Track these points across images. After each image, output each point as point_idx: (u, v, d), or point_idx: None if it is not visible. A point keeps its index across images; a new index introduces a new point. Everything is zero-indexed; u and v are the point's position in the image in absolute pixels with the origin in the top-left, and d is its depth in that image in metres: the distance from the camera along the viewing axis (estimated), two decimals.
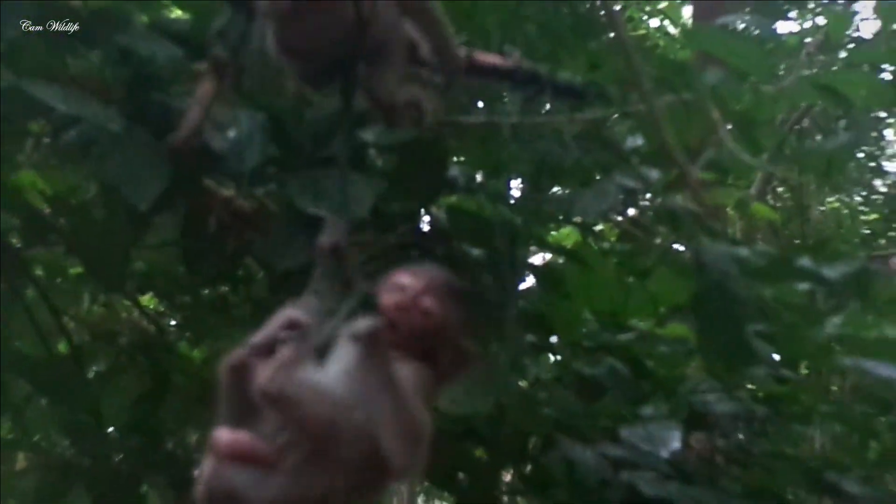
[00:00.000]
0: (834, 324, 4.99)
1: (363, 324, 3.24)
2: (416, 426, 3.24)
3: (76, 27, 4.64)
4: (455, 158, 5.09)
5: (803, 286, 5.04)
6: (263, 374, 3.10)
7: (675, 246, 5.29)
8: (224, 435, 3.08)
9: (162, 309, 6.20)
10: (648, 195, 5.30)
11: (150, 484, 5.91)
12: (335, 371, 3.22)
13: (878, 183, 20.39)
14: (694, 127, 4.63)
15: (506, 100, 5.09)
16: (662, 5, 22.35)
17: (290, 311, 3.39)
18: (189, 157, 4.30)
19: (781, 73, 5.00)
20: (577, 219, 5.44)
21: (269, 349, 3.21)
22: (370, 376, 3.18)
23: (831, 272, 5.02)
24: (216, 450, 3.06)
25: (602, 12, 5.42)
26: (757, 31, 5.07)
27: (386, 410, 3.14)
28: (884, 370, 4.87)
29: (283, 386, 3.07)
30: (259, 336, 3.28)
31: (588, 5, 5.64)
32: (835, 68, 4.93)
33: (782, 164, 5.13)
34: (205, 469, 3.07)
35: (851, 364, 5.01)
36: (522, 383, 5.39)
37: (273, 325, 3.33)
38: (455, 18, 4.32)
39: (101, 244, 5.16)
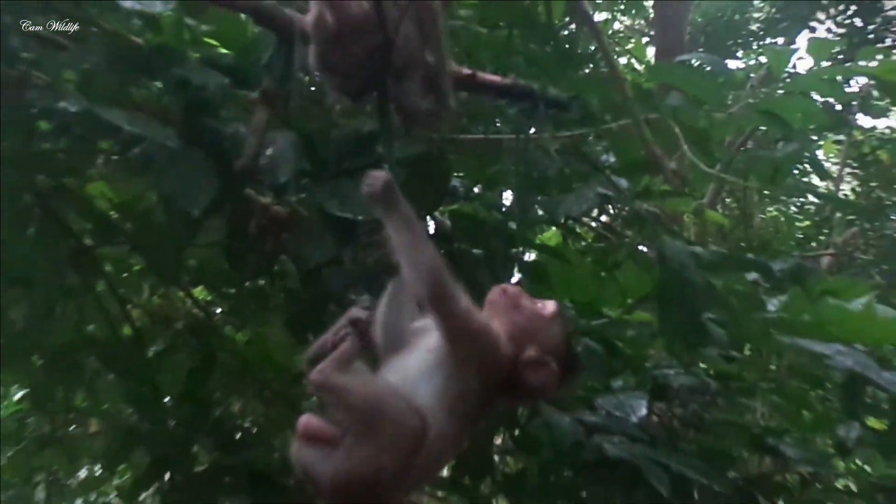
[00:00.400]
0: (773, 306, 5.01)
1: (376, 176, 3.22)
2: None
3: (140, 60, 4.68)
4: (456, 173, 5.09)
5: (750, 277, 5.06)
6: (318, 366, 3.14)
7: (641, 246, 5.30)
8: (303, 419, 3.13)
9: (210, 298, 6.21)
10: (619, 203, 5.31)
11: (200, 445, 5.92)
12: (396, 362, 3.27)
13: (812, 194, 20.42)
14: (658, 143, 4.65)
15: (499, 123, 5.11)
16: (630, 46, 22.40)
17: (354, 310, 3.37)
18: (242, 174, 4.34)
19: (730, 101, 5.00)
20: (561, 221, 5.45)
21: (334, 344, 3.23)
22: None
23: (774, 266, 5.06)
24: (297, 431, 3.12)
25: (581, 48, 5.43)
26: (709, 68, 5.08)
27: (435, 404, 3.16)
28: (815, 347, 4.90)
29: (328, 376, 3.11)
30: (329, 333, 3.31)
31: (567, 45, 5.65)
32: (776, 95, 4.95)
33: (732, 174, 5.14)
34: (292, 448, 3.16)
35: (789, 342, 5.03)
36: None
37: (339, 322, 3.33)
38: (455, 53, 4.35)
39: (159, 244, 5.18)
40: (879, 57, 5.30)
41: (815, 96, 5.06)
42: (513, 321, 3.32)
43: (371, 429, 3.09)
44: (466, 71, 4.59)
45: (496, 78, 4.89)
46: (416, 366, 3.24)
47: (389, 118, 4.03)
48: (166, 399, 5.81)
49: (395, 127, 4.13)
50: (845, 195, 19.82)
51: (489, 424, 5.61)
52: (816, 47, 5.21)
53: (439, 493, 6.85)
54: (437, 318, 3.18)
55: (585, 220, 5.66)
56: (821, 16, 21.47)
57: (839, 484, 6.48)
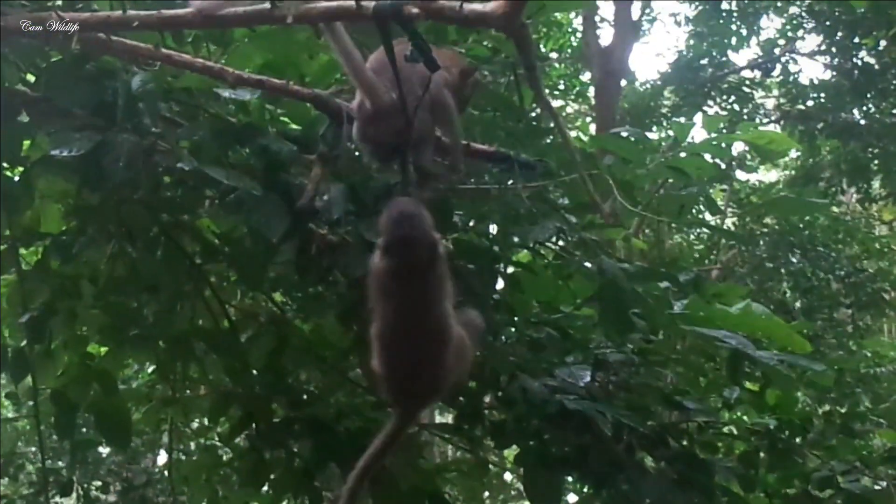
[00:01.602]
0: (679, 305, 5.03)
1: None
2: None
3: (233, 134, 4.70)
4: (457, 211, 5.09)
5: (663, 285, 5.07)
6: None
7: (586, 263, 5.29)
8: None
9: (284, 300, 6.19)
10: (570, 233, 5.31)
11: (277, 403, 5.91)
12: None
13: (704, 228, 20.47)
14: (598, 191, 4.64)
15: (486, 178, 5.10)
16: (578, 123, 22.46)
17: None
18: (304, 212, 4.34)
19: (648, 161, 5.00)
20: (530, 245, 5.45)
21: None
22: None
23: (679, 277, 5.09)
24: None
25: (544, 125, 5.44)
26: (633, 138, 5.08)
27: None
28: (709, 332, 4.99)
29: None
30: None
31: (533, 123, 5.67)
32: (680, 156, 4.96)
33: (650, 212, 5.13)
34: None
35: (690, 330, 5.06)
36: (498, 343, 5.39)
37: None
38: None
39: (248, 261, 5.17)
40: (752, 130, 5.31)
41: (707, 157, 5.05)
42: None
43: None
44: (463, 142, 4.61)
45: (484, 147, 4.92)
46: None
47: (408, 175, 4.08)
48: (253, 371, 5.80)
49: (414, 181, 4.16)
50: (728, 227, 19.83)
51: (481, 387, 5.61)
52: (708, 122, 5.22)
53: (446, 435, 6.84)
54: None
55: (547, 244, 5.64)
56: (710, 103, 21.55)
57: (725, 430, 6.46)
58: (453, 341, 3.49)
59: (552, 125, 5.56)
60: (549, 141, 5.42)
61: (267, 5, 3.71)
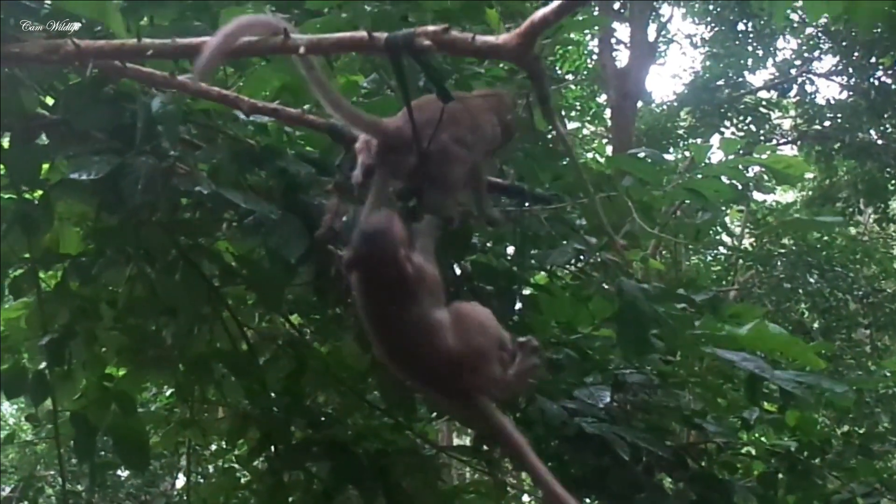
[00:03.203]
0: (697, 327, 5.03)
1: None
2: None
3: (252, 157, 4.69)
4: (475, 233, 5.08)
5: (680, 306, 5.07)
6: None
7: (604, 284, 5.29)
8: None
9: (302, 322, 6.19)
10: (589, 254, 5.31)
11: (296, 425, 5.92)
12: None
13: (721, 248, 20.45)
14: (616, 212, 4.63)
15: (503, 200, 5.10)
16: (595, 144, 22.49)
17: None
18: (322, 238, 4.30)
19: (666, 182, 4.98)
20: (548, 268, 5.46)
21: None
22: None
23: (697, 297, 5.09)
24: None
25: (560, 147, 5.43)
26: (651, 159, 5.07)
27: None
28: (727, 355, 5.00)
29: None
30: None
31: (551, 144, 5.66)
32: (697, 178, 4.94)
33: (668, 233, 5.13)
34: None
35: (709, 351, 5.06)
36: None
37: None
38: None
39: (266, 284, 5.16)
40: (768, 152, 5.31)
41: (724, 178, 5.04)
42: None
43: None
44: None
45: (498, 180, 4.87)
46: None
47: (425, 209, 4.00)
48: (272, 393, 5.80)
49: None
50: (745, 248, 19.81)
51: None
52: (725, 145, 5.22)
53: (464, 457, 6.82)
54: None
55: (566, 266, 5.64)
56: (727, 123, 21.54)
57: (744, 450, 6.46)
58: (442, 325, 3.44)
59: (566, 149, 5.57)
60: (565, 163, 5.42)
61: (280, 36, 3.69)
